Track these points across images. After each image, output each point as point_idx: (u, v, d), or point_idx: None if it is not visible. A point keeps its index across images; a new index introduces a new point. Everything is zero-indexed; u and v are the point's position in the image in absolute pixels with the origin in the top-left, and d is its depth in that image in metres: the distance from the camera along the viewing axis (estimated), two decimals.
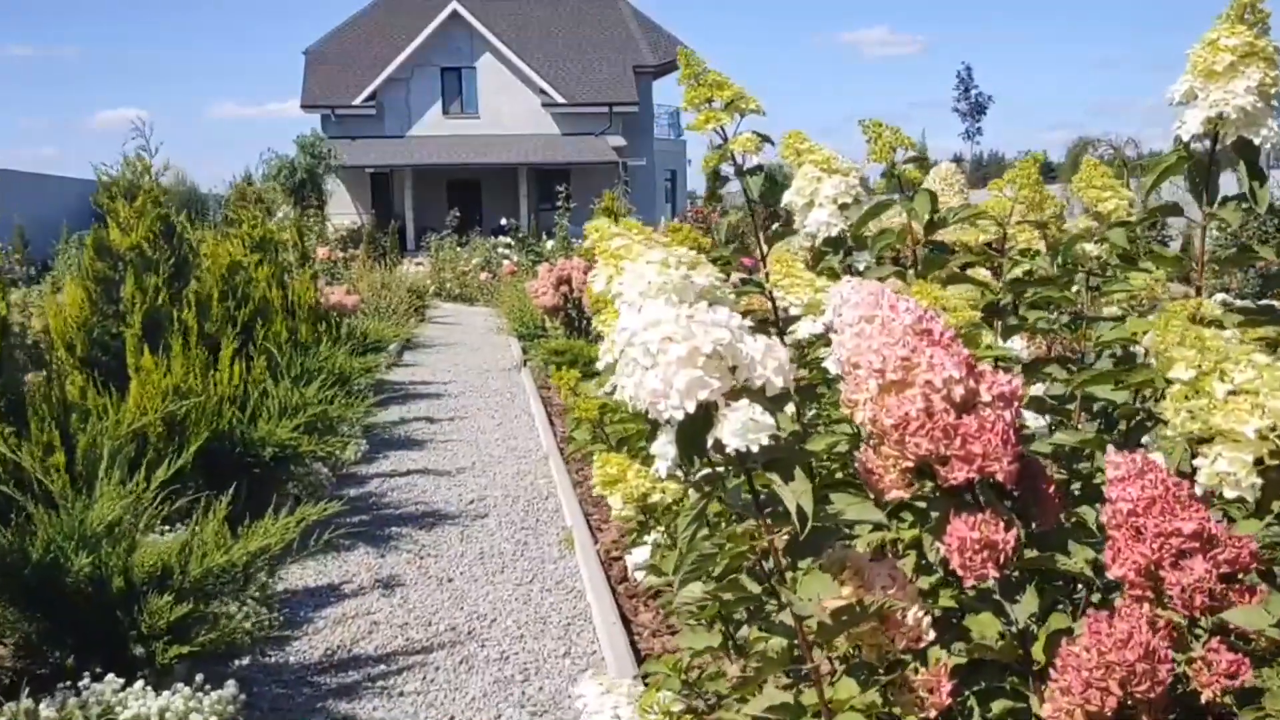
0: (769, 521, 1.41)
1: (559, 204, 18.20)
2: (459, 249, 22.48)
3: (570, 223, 18.06)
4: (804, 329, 1.95)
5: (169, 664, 3.12)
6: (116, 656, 3.15)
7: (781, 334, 2.29)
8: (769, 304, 2.42)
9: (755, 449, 1.32)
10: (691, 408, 1.31)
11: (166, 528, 4.49)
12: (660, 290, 1.37)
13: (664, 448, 1.39)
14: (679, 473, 1.50)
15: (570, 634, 4.05)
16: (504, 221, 28.44)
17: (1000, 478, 1.37)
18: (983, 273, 2.18)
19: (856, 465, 1.51)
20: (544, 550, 5.06)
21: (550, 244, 18.43)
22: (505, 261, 19.76)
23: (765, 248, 2.59)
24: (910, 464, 1.40)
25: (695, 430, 1.35)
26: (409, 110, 33.90)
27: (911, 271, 2.10)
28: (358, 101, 33.01)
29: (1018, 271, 2.29)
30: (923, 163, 2.17)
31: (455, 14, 33.11)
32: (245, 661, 3.79)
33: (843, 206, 2.30)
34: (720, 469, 1.40)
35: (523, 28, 34.13)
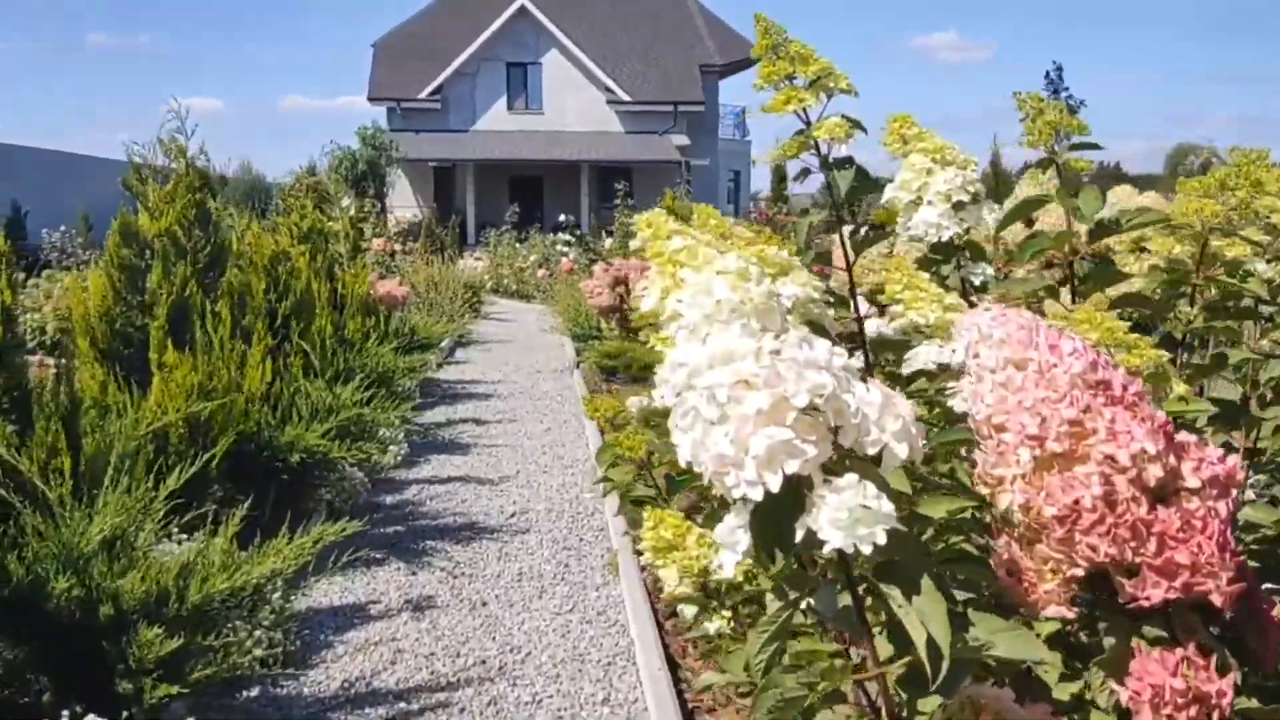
0: (877, 645, 1.00)
1: (617, 202, 17.80)
2: (518, 245, 22.23)
3: (630, 221, 17.69)
4: (924, 355, 1.54)
5: (157, 704, 2.77)
6: (102, 691, 2.82)
7: (870, 362, 1.88)
8: (853, 322, 2.01)
9: (867, 548, 0.91)
10: (775, 484, 0.91)
11: (185, 536, 4.18)
12: (735, 312, 0.97)
13: (732, 534, 0.99)
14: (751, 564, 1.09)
15: (610, 676, 3.66)
16: (562, 218, 28.16)
17: (1217, 601, 0.95)
18: (1137, 284, 1.76)
19: (994, 565, 1.09)
20: (586, 574, 4.67)
21: (609, 242, 18.06)
22: (563, 259, 19.45)
23: (851, 254, 2.18)
24: (1080, 572, 0.99)
25: (779, 515, 0.95)
26: (474, 105, 33.75)
27: (1065, 289, 1.67)
28: (423, 95, 32.91)
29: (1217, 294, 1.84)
30: (1090, 150, 1.74)
31: (523, 9, 32.91)
32: (254, 692, 3.46)
33: (957, 205, 1.88)
34: (812, 569, 1.00)
35: (589, 24, 33.83)
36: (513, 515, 5.55)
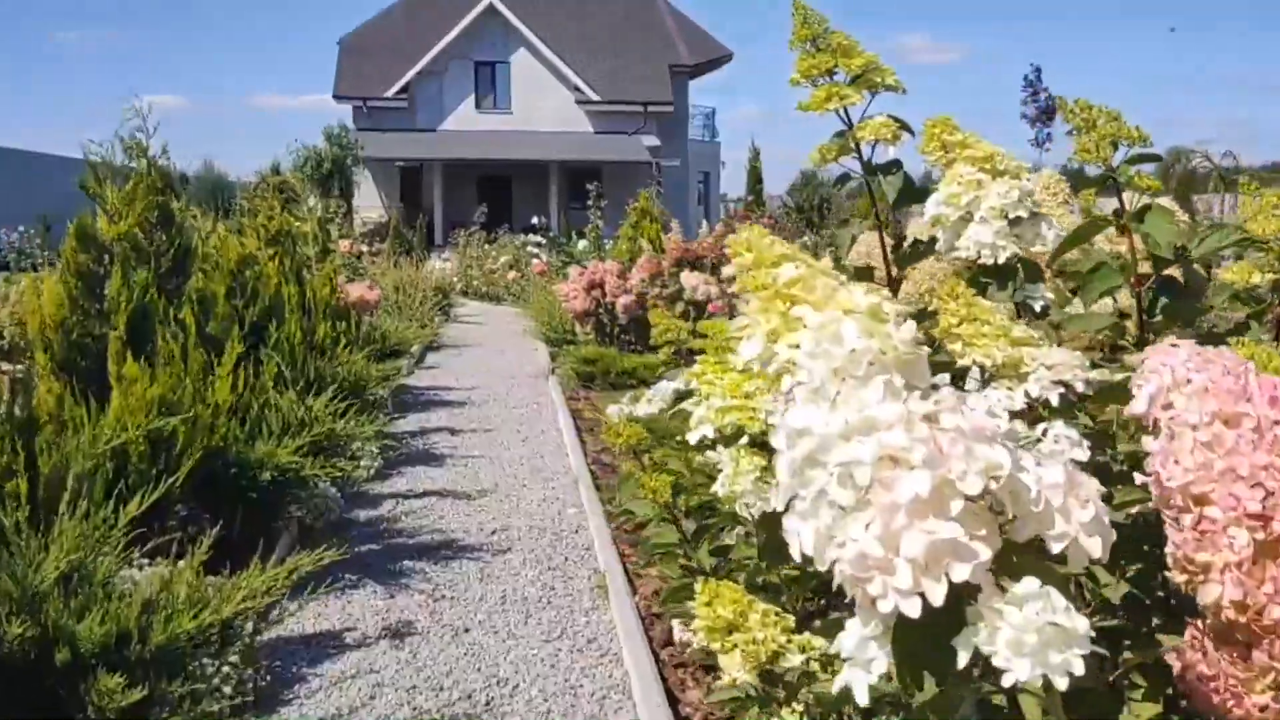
0: None
1: (590, 203, 17.52)
2: (487, 246, 21.93)
3: (604, 223, 17.39)
4: (993, 401, 1.32)
5: None
6: None
7: None
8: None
9: (1062, 681, 0.70)
10: (938, 595, 0.69)
11: (147, 562, 3.93)
12: (873, 365, 0.75)
13: (863, 648, 0.78)
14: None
15: (605, 711, 3.43)
16: (535, 220, 27.87)
17: None
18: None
19: (1177, 665, 0.88)
20: (574, 597, 4.44)
21: (582, 244, 17.79)
22: (534, 261, 19.18)
23: (894, 270, 1.97)
24: None
25: (935, 632, 0.73)
26: (441, 104, 33.42)
27: (1130, 323, 1.47)
28: (390, 93, 32.55)
29: None
30: (1152, 162, 1.54)
31: (491, 8, 32.61)
32: None
33: (1014, 222, 1.68)
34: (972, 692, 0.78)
35: (558, 23, 33.57)
36: (493, 533, 5.31)
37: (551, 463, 6.79)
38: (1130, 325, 1.58)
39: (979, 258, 1.68)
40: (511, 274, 19.48)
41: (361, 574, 4.65)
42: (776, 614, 1.23)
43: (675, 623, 3.82)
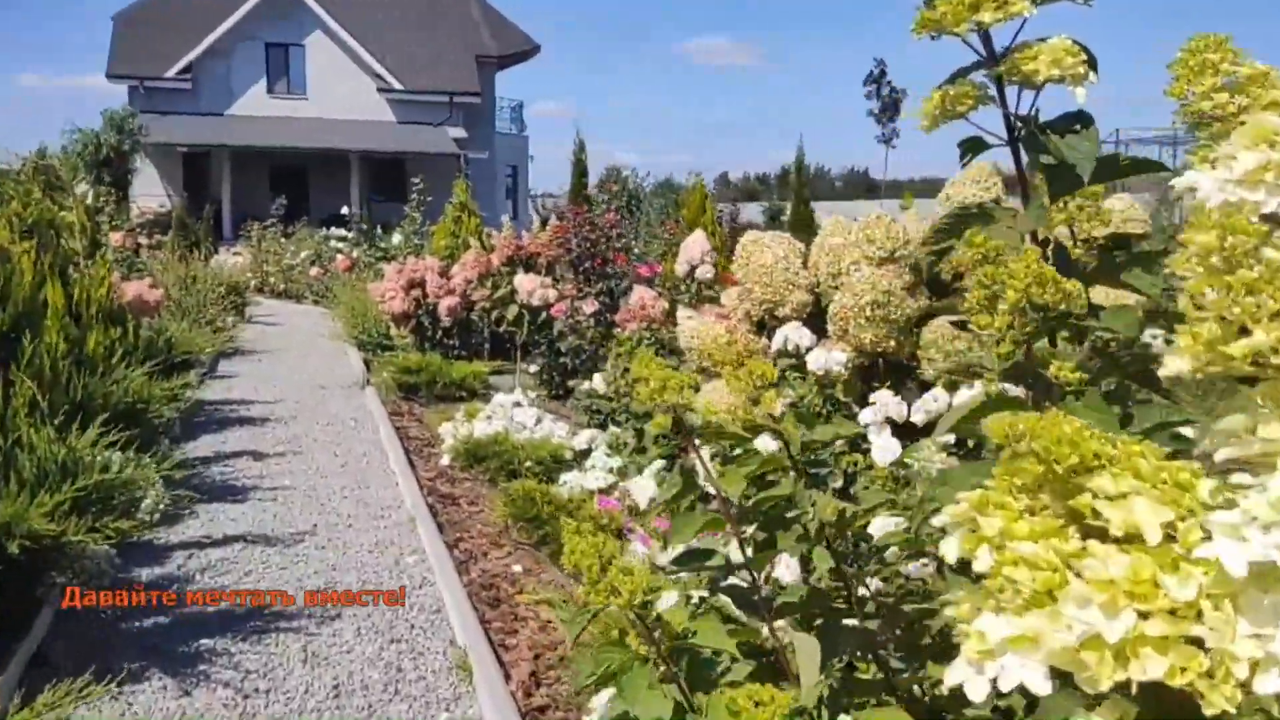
0: None
1: (414, 195, 16.22)
2: (284, 240, 20.32)
3: (422, 215, 16.19)
4: None
5: None
6: None
7: None
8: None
9: None
10: None
11: None
12: None
13: None
14: None
15: None
16: (345, 211, 26.10)
17: None
18: None
19: None
20: (429, 681, 3.56)
21: (397, 239, 16.54)
22: (338, 256, 17.82)
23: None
24: None
25: None
26: (229, 86, 31.21)
27: None
28: (171, 74, 30.13)
29: None
30: None
31: None
32: None
33: None
34: None
35: (358, 6, 31.88)
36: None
37: (379, 493, 5.83)
38: None
39: None
40: (314, 270, 18.06)
41: (145, 660, 3.63)
42: None
43: None
